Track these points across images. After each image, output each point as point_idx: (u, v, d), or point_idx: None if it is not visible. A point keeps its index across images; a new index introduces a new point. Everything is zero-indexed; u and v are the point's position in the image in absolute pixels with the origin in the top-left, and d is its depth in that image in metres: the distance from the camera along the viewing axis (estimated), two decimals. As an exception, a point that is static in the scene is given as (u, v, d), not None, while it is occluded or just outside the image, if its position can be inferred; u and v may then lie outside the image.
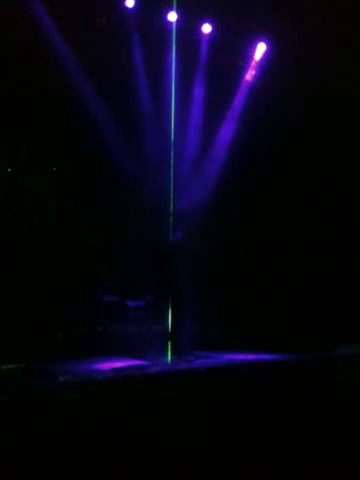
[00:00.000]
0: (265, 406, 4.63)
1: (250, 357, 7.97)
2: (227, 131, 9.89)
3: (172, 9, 9.23)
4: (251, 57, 9.93)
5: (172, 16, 9.27)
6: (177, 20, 9.30)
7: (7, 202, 8.04)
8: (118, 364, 7.16)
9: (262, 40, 9.82)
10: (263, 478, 3.07)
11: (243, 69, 9.98)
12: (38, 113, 8.29)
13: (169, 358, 7.95)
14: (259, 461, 3.28)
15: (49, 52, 8.33)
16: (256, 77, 9.92)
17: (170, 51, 9.40)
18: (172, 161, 9.38)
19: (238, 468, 3.22)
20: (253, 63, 9.95)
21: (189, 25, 9.45)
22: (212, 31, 9.63)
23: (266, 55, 9.85)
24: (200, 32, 9.66)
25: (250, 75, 9.92)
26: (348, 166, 9.95)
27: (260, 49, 9.90)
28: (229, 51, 9.72)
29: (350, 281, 9.65)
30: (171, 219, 9.05)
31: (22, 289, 7.72)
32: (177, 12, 9.23)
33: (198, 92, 9.81)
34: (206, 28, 9.65)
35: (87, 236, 8.73)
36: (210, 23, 9.60)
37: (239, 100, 10.01)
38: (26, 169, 8.27)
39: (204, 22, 9.60)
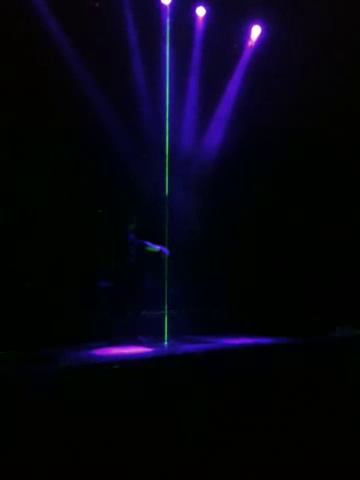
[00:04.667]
0: (263, 392, 4.66)
1: (248, 341, 8.01)
2: (222, 117, 9.90)
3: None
4: (246, 40, 9.89)
5: (166, -1, 9.19)
6: (171, 3, 9.21)
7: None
8: (117, 350, 7.21)
9: (257, 23, 9.78)
10: (261, 473, 3.09)
11: (238, 51, 9.94)
12: (32, 100, 8.18)
13: (166, 342, 8.01)
14: (257, 454, 3.30)
15: (43, 37, 8.24)
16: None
17: (164, 34, 9.31)
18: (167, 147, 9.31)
19: (237, 462, 3.24)
20: (248, 45, 9.92)
21: (183, 8, 9.38)
22: (206, 14, 9.57)
23: (261, 37, 9.82)
24: (194, 15, 9.61)
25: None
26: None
27: (255, 32, 9.86)
28: (224, 34, 9.65)
29: (349, 263, 9.70)
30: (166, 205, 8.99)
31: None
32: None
33: (193, 76, 9.77)
34: (200, 11, 9.59)
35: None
36: (204, 6, 9.54)
37: (235, 83, 10.00)
38: (22, 160, 8.18)
39: (198, 5, 9.54)
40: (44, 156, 8.26)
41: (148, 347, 7.46)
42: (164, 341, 8.05)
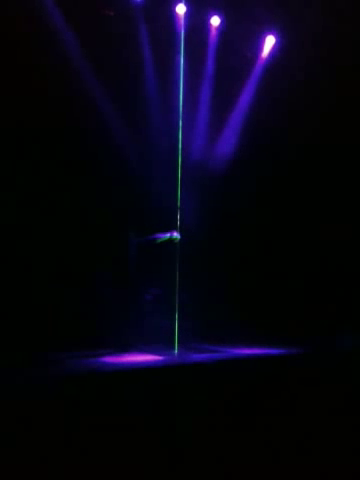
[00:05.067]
0: (267, 402, 4.60)
1: (257, 351, 7.93)
2: (234, 128, 9.90)
3: (181, 1, 9.19)
4: (260, 49, 9.90)
5: (180, 8, 9.22)
6: (185, 12, 9.25)
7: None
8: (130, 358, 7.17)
9: (271, 33, 9.79)
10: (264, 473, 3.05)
11: (252, 61, 9.95)
12: (39, 107, 8.20)
13: (176, 350, 7.94)
14: (260, 460, 3.25)
15: (54, 44, 8.30)
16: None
17: (178, 43, 9.36)
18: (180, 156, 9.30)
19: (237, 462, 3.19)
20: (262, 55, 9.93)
21: (198, 17, 9.42)
22: (221, 23, 9.60)
23: (275, 48, 9.82)
24: (209, 25, 9.64)
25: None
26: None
27: (269, 42, 9.87)
28: (238, 44, 9.68)
29: (351, 270, 9.59)
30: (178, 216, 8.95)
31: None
32: (185, 4, 9.18)
33: (206, 86, 9.79)
34: (215, 21, 9.62)
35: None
36: (219, 16, 9.57)
37: (247, 95, 10.01)
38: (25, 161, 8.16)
39: (213, 14, 9.57)
40: (49, 159, 8.24)
41: (158, 355, 7.40)
42: (174, 349, 7.99)
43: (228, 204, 9.58)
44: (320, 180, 9.83)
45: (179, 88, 9.32)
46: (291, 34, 9.53)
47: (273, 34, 9.80)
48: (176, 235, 8.10)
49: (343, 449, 3.33)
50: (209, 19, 9.60)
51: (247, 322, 8.68)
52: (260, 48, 9.93)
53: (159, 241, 8.02)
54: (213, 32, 9.69)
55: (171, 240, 8.10)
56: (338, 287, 9.35)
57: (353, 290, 9.38)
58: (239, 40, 9.69)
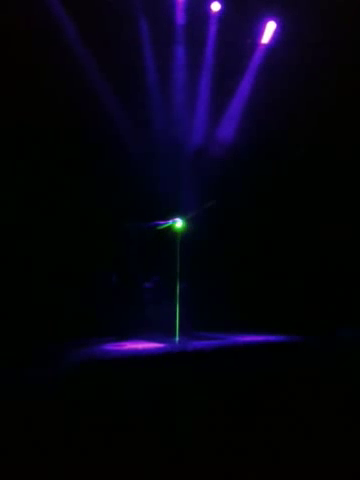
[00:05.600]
0: (263, 392, 4.66)
1: (257, 338, 8.01)
2: (234, 113, 9.87)
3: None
4: (260, 35, 9.83)
5: (181, -6, 9.16)
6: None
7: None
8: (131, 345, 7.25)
9: (272, 18, 9.72)
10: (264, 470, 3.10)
11: (252, 47, 9.89)
12: (38, 98, 8.16)
13: (177, 338, 8.03)
14: (260, 460, 3.29)
15: (54, 34, 8.27)
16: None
17: (178, 29, 9.31)
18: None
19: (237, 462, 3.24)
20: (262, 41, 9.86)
21: (198, 3, 9.35)
22: (221, 9, 9.53)
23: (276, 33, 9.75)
24: (209, 10, 9.57)
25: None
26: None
27: (270, 27, 9.80)
28: (238, 29, 9.60)
29: (352, 264, 9.64)
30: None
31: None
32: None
33: (206, 71, 9.75)
34: (215, 6, 9.55)
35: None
36: (219, 1, 9.50)
37: (248, 79, 9.96)
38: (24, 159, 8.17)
39: (213, 0, 9.50)
40: (48, 154, 8.23)
41: (159, 343, 7.49)
42: (175, 337, 8.07)
43: (229, 193, 9.57)
44: (322, 175, 9.81)
45: (179, 75, 9.32)
46: (291, 20, 9.43)
47: (274, 20, 9.71)
48: (178, 221, 8.15)
49: (343, 449, 3.38)
50: (209, 5, 9.52)
51: (247, 311, 8.78)
52: (260, 34, 9.84)
53: (160, 228, 8.08)
54: (213, 18, 9.62)
55: (172, 227, 8.16)
56: (338, 286, 9.37)
57: (353, 289, 9.40)
58: (239, 26, 9.59)
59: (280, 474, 3.08)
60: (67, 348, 6.83)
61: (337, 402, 4.32)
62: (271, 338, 7.93)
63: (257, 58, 9.88)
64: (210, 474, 3.07)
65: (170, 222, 8.09)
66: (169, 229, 8.13)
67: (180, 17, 9.24)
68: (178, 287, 8.34)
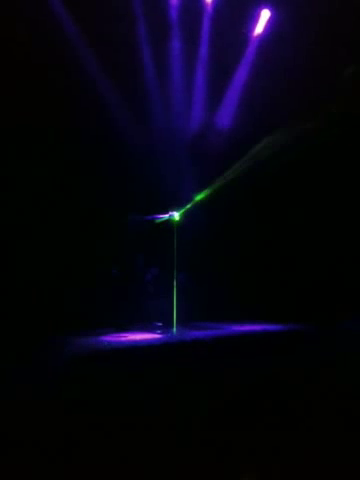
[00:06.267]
0: (263, 392, 4.66)
1: (256, 328, 8.05)
2: (231, 102, 9.86)
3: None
4: (255, 25, 9.79)
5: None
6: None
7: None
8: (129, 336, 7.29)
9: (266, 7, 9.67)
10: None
11: (247, 36, 9.85)
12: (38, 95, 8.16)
13: (174, 329, 8.06)
14: (260, 460, 3.28)
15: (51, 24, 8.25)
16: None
17: (173, 19, 9.28)
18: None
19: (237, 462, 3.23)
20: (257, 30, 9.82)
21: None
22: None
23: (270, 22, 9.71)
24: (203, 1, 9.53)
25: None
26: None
27: (264, 16, 9.76)
28: (233, 18, 9.57)
29: (352, 257, 9.65)
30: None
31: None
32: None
33: (201, 60, 9.72)
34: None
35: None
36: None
37: (243, 70, 9.94)
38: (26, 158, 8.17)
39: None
40: (50, 153, 8.22)
41: (158, 334, 7.53)
42: (173, 328, 8.10)
43: (226, 184, 9.57)
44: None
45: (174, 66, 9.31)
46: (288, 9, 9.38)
47: (268, 8, 9.67)
48: (174, 216, 8.15)
49: (343, 449, 3.37)
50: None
51: (246, 301, 8.81)
52: (255, 22, 9.80)
53: (158, 221, 8.10)
54: (208, 7, 9.58)
55: (170, 220, 8.17)
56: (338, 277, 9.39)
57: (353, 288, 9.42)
58: (234, 15, 9.55)
59: (280, 474, 3.06)
60: (68, 340, 6.86)
61: (337, 402, 4.31)
62: (269, 327, 7.96)
63: (253, 46, 9.86)
64: (210, 473, 3.05)
65: (167, 216, 8.11)
66: (167, 222, 8.15)
67: (175, 9, 9.19)
68: (176, 278, 8.36)
